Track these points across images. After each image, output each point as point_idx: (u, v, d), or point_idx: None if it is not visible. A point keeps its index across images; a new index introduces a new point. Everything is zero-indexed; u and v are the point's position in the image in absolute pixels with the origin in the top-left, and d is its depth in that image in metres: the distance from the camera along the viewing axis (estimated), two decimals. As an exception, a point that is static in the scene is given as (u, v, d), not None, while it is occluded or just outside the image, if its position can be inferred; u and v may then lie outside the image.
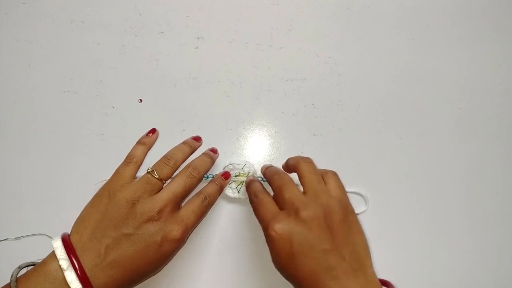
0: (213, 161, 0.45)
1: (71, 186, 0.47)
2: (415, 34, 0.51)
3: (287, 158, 0.42)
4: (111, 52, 0.50)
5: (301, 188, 0.38)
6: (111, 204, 0.38)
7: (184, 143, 0.45)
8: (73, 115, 0.49)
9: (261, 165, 0.47)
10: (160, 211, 0.37)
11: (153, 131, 0.47)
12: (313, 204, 0.35)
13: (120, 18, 0.51)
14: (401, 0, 0.52)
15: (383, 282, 0.35)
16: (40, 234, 0.46)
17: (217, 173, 0.45)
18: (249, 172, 0.45)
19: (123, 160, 0.43)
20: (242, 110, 0.49)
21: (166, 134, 0.48)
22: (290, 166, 0.41)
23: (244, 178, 0.45)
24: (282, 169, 0.43)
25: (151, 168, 0.40)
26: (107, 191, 0.39)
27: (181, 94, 0.49)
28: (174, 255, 0.39)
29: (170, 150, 0.43)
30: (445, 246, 0.47)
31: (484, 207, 0.48)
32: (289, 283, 0.35)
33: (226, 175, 0.45)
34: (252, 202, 0.40)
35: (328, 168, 0.41)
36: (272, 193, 0.40)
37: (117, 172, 0.41)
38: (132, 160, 0.43)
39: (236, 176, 0.45)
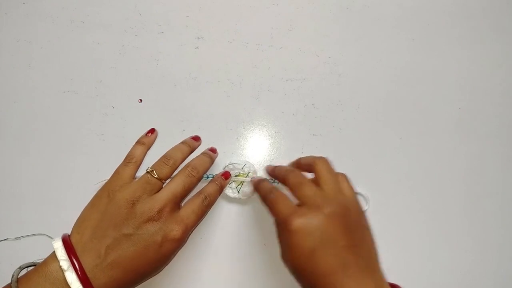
0: (212, 160, 0.45)
1: (71, 186, 0.47)
2: (415, 34, 0.51)
3: (298, 158, 0.42)
4: (111, 52, 0.50)
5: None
6: (111, 204, 0.38)
7: (183, 142, 0.45)
8: (73, 115, 0.49)
9: (261, 165, 0.47)
10: (160, 211, 0.37)
11: (152, 131, 0.47)
12: (335, 201, 0.35)
13: (120, 18, 0.51)
14: (401, 0, 0.52)
15: (392, 286, 0.35)
16: (40, 234, 0.46)
17: (217, 173, 0.45)
18: (249, 172, 0.45)
19: (123, 160, 0.43)
20: (242, 110, 0.49)
21: (166, 134, 0.48)
22: (303, 165, 0.41)
23: (244, 178, 0.45)
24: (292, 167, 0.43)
25: (150, 168, 0.40)
26: (106, 191, 0.39)
27: (181, 94, 0.49)
28: (175, 255, 0.39)
29: (169, 150, 0.43)
30: (445, 246, 0.47)
31: (484, 207, 0.48)
32: (289, 282, 0.35)
33: (226, 175, 0.45)
34: (266, 199, 0.39)
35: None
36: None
37: (117, 172, 0.41)
38: (132, 160, 0.43)
39: (236, 176, 0.45)
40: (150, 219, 0.37)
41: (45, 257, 0.36)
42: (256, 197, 0.44)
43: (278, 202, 0.36)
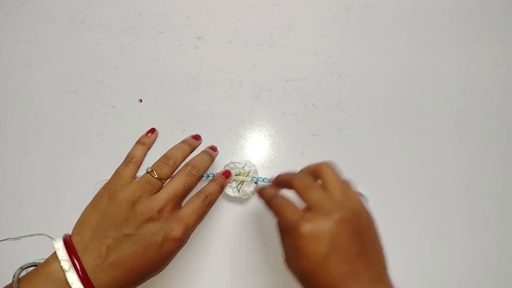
0: (212, 159, 0.45)
1: (71, 186, 0.47)
2: (415, 34, 0.51)
3: (302, 167, 0.40)
4: (111, 52, 0.50)
5: None
6: (111, 205, 0.38)
7: (183, 142, 0.45)
8: (73, 115, 0.49)
9: (261, 165, 0.47)
10: (160, 211, 0.37)
11: (152, 130, 0.47)
12: (344, 206, 0.34)
13: (120, 18, 0.51)
14: (401, 0, 0.52)
15: None
16: (40, 234, 0.46)
17: (217, 172, 0.45)
18: (249, 171, 0.45)
19: (123, 160, 0.43)
20: (242, 110, 0.49)
21: (166, 134, 0.48)
22: (311, 171, 0.39)
23: (245, 178, 0.45)
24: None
25: (150, 168, 0.40)
26: (107, 192, 0.39)
27: (181, 94, 0.49)
28: (175, 255, 0.39)
29: (169, 149, 0.43)
30: (445, 246, 0.47)
31: (484, 207, 0.48)
32: (289, 282, 0.35)
33: (227, 174, 0.45)
34: (271, 204, 0.37)
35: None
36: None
37: (117, 172, 0.41)
38: (132, 160, 0.43)
39: (236, 175, 0.45)
40: (151, 219, 0.37)
41: (45, 257, 0.36)
42: (256, 196, 0.44)
43: (284, 206, 0.35)
